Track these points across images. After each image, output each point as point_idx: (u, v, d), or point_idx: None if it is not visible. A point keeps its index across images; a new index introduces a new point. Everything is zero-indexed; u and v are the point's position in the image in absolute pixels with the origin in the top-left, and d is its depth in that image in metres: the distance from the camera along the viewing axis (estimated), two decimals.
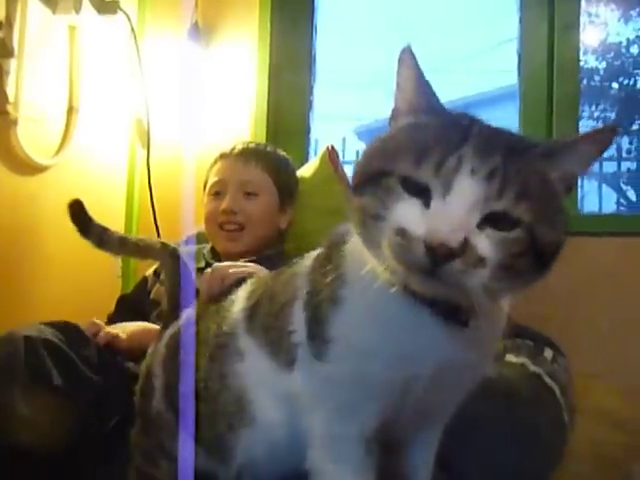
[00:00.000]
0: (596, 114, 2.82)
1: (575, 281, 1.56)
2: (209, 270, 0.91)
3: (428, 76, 0.57)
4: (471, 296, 0.49)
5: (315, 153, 1.96)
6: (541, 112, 1.76)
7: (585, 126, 2.74)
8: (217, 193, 1.36)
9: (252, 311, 0.71)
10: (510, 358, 1.01)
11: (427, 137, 0.52)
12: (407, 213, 0.50)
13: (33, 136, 1.47)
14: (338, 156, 1.51)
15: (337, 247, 0.64)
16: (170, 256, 0.91)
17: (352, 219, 0.56)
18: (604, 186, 2.84)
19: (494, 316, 0.62)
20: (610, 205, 2.84)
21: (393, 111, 0.59)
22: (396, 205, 0.51)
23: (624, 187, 2.78)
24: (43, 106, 1.51)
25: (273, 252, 1.34)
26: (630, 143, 2.72)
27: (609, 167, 2.90)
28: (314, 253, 0.70)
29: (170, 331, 0.82)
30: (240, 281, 0.80)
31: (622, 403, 1.28)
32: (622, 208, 2.77)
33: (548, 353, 1.09)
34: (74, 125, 1.60)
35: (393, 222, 0.50)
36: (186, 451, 0.73)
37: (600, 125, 2.82)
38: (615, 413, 1.27)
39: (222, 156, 1.40)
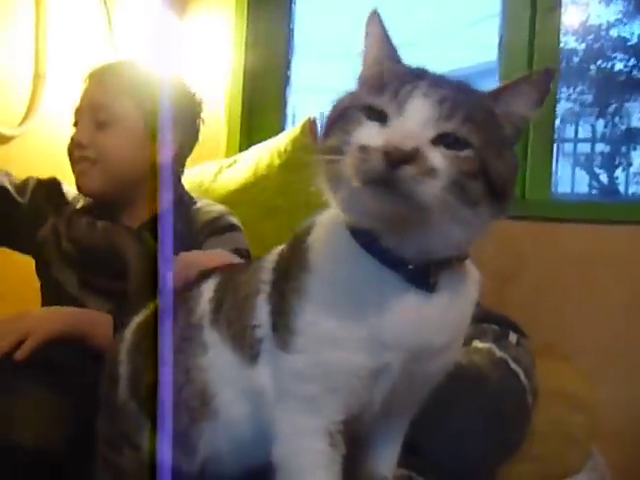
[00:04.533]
0: (573, 96, 2.83)
1: (546, 266, 1.59)
2: (177, 257, 0.88)
3: (406, 50, 0.62)
4: (424, 206, 0.52)
5: (294, 122, 1.98)
6: None
7: (562, 108, 2.76)
8: (75, 123, 1.18)
9: (217, 303, 0.70)
10: (476, 344, 1.03)
11: (387, 75, 0.57)
12: (367, 133, 0.54)
13: None
14: (317, 129, 1.53)
15: (300, 240, 0.64)
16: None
17: (319, 167, 0.58)
18: (577, 169, 2.87)
19: (463, 289, 0.62)
20: (582, 187, 2.87)
21: (360, 73, 0.63)
22: (357, 130, 0.55)
23: (597, 170, 2.82)
24: (7, 73, 1.45)
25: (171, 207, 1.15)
26: (605, 126, 2.75)
27: (583, 148, 2.93)
28: (279, 248, 0.69)
29: (138, 319, 0.81)
30: (208, 272, 0.78)
31: (585, 386, 1.31)
32: (594, 191, 2.81)
33: (512, 337, 1.11)
34: (40, 93, 1.53)
35: (355, 143, 0.54)
36: (164, 449, 0.71)
37: (577, 107, 2.83)
38: (578, 395, 1.30)
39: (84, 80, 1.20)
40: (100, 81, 1.15)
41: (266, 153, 1.54)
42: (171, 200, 1.19)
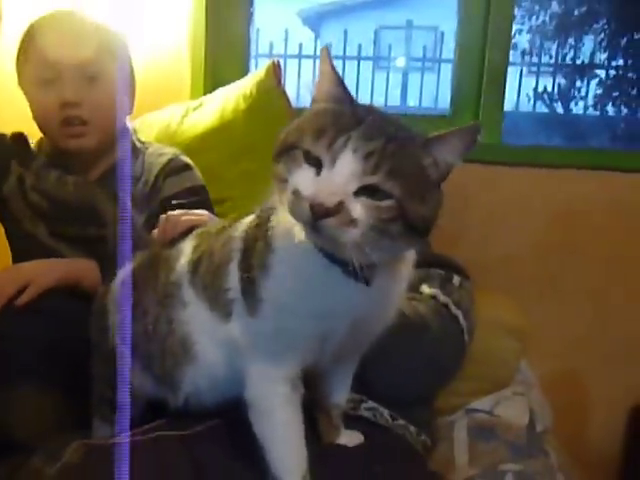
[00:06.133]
0: (534, 27, 2.86)
1: (492, 206, 1.72)
2: (163, 216, 0.95)
3: None
4: (345, 250, 0.61)
5: (257, 44, 2.08)
6: None
7: (524, 39, 2.78)
8: (48, 81, 1.12)
9: (194, 266, 0.81)
10: (424, 288, 1.16)
11: (328, 120, 0.64)
12: (302, 178, 0.62)
13: None
14: (281, 72, 1.58)
15: (266, 217, 0.74)
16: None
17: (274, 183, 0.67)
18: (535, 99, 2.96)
19: (397, 276, 0.74)
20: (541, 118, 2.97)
21: (313, 96, 0.70)
22: (296, 172, 0.62)
23: (554, 104, 2.92)
24: None
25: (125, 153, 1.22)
26: (563, 59, 2.82)
27: (543, 78, 3.00)
28: (248, 219, 0.79)
29: (123, 272, 0.90)
30: (192, 229, 0.88)
31: (517, 315, 1.49)
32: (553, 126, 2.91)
33: (456, 280, 1.24)
34: None
35: (291, 184, 0.62)
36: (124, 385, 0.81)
37: (538, 39, 2.88)
38: (510, 323, 1.48)
39: (41, 30, 1.13)
40: (77, 33, 1.12)
41: (232, 97, 1.57)
42: (127, 149, 1.25)
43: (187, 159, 1.35)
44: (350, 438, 0.88)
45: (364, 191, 0.60)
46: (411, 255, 0.76)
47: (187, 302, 0.80)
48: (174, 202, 1.24)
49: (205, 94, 1.72)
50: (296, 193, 0.61)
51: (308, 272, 0.69)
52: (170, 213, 0.96)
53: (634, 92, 2.86)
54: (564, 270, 1.74)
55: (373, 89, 2.79)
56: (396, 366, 0.98)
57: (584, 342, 1.76)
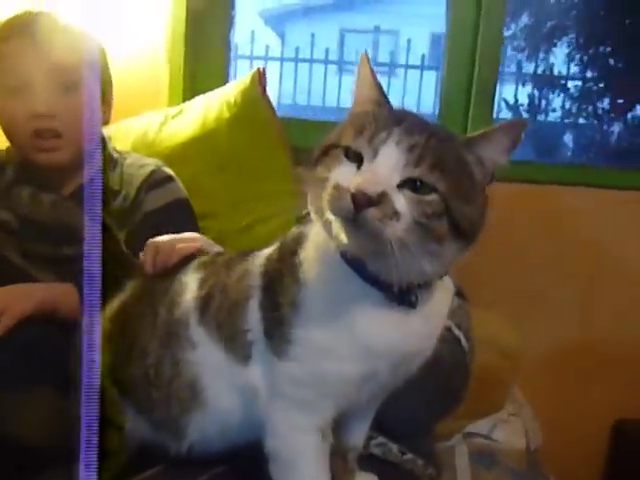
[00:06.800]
0: (505, 39, 2.89)
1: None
2: (152, 242, 0.87)
3: None
4: (387, 245, 0.57)
5: None
6: None
7: None
8: (16, 89, 1.04)
9: (204, 302, 0.73)
10: None
11: (368, 119, 0.62)
12: (343, 173, 0.59)
13: None
14: (266, 80, 1.51)
15: (291, 252, 0.67)
16: None
17: (309, 191, 0.63)
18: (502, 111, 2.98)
19: (441, 305, 0.70)
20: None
21: (351, 110, 0.67)
22: (337, 168, 0.60)
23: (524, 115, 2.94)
24: None
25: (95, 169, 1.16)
26: (534, 72, 2.85)
27: (509, 92, 3.03)
28: (266, 251, 0.72)
29: (114, 304, 0.82)
30: (187, 258, 0.80)
31: (512, 335, 1.47)
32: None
33: (455, 301, 1.21)
34: None
35: (332, 180, 0.59)
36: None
37: (509, 50, 2.90)
38: (503, 340, 1.46)
39: (8, 33, 1.04)
40: (49, 38, 1.03)
41: (214, 104, 1.49)
42: (100, 163, 1.16)
43: (169, 170, 1.26)
44: None
45: (407, 184, 0.58)
46: (451, 284, 0.71)
47: (196, 342, 0.72)
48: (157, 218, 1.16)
49: (184, 100, 1.63)
50: (337, 187, 0.58)
51: (346, 302, 0.64)
52: (160, 239, 0.87)
53: (600, 104, 2.92)
54: (548, 285, 1.73)
55: (340, 93, 2.75)
56: (408, 401, 0.92)
57: (567, 357, 1.76)
